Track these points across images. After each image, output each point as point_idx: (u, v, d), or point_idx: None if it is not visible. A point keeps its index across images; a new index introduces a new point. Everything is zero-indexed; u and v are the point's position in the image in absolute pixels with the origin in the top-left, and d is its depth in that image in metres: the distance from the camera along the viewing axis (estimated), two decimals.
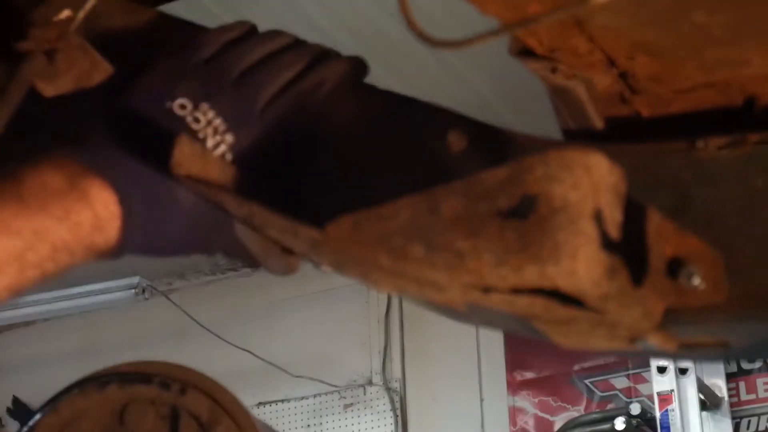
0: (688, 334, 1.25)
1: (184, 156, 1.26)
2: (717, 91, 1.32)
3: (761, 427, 6.72)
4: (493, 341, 7.88)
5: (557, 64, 1.30)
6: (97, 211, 1.27)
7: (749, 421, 6.75)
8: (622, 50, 1.28)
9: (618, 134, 1.35)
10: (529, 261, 1.12)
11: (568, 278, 1.12)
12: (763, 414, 6.72)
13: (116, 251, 1.31)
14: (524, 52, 1.31)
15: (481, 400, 7.44)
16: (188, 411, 1.68)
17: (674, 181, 1.26)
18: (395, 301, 8.16)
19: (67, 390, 1.74)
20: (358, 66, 1.42)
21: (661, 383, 5.68)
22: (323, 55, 1.41)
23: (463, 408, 7.47)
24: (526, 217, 1.13)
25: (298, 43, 1.41)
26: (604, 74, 1.33)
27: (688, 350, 1.27)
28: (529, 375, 7.30)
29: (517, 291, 1.18)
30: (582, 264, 1.11)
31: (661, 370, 5.60)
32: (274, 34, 1.41)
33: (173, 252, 1.37)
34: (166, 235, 1.34)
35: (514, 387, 7.22)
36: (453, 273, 1.17)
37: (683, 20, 1.21)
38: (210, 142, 1.31)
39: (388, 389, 8.29)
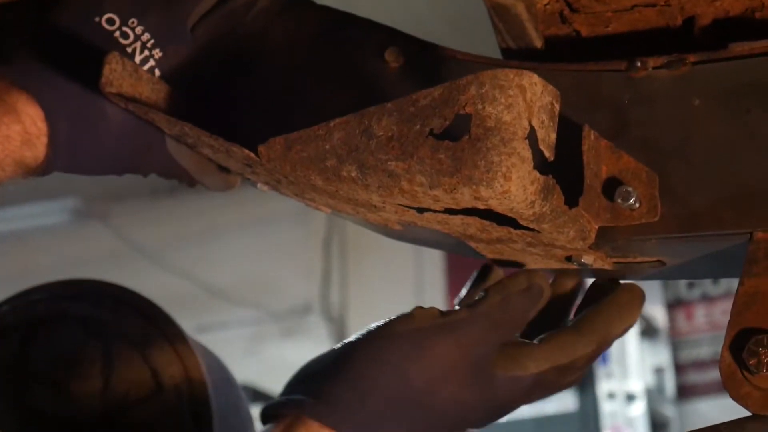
0: (622, 252, 1.27)
1: (114, 74, 1.26)
2: (657, 11, 1.33)
3: (699, 356, 6.82)
4: (435, 267, 7.93)
5: None
6: (26, 125, 1.28)
7: (688, 351, 6.86)
8: None
9: (557, 54, 1.36)
10: (461, 182, 1.13)
11: (501, 199, 1.13)
12: (702, 343, 6.81)
13: (45, 167, 1.32)
14: None
15: None
16: (119, 329, 1.69)
17: (611, 101, 1.28)
18: (336, 227, 8.18)
19: None
20: None
21: None
22: None
23: None
24: (458, 139, 1.13)
25: None
26: None
27: (622, 268, 1.30)
28: None
29: (451, 211, 1.20)
30: (515, 185, 1.12)
31: None
32: None
33: (104, 171, 1.38)
34: (95, 154, 1.35)
35: None
36: (386, 194, 1.18)
37: None
38: (137, 57, 1.33)
39: (329, 317, 8.33)
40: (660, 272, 1.32)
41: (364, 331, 1.30)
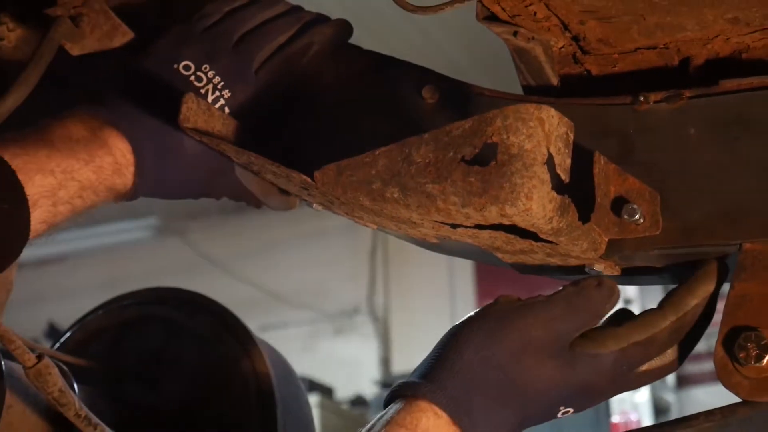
0: (628, 261, 1.27)
1: (191, 112, 1.27)
2: (656, 52, 1.33)
3: (696, 350, 6.76)
4: (465, 273, 7.95)
5: (518, 28, 1.31)
6: (116, 157, 1.30)
7: None
8: (575, 16, 1.29)
9: (571, 90, 1.37)
10: (489, 202, 1.13)
11: (524, 216, 1.14)
12: None
13: (132, 193, 1.34)
14: (490, 18, 1.32)
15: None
16: (196, 330, 1.70)
17: (618, 130, 1.28)
18: (380, 240, 8.21)
19: (94, 311, 1.77)
20: (343, 29, 1.43)
21: None
22: (312, 21, 1.42)
23: (439, 333, 7.50)
24: (487, 164, 1.14)
25: (291, 10, 1.43)
26: (559, 37, 1.34)
27: (629, 275, 1.29)
28: None
29: (480, 227, 1.20)
30: (536, 203, 1.13)
31: None
32: (271, 2, 1.43)
33: (182, 195, 1.40)
34: (174, 180, 1.36)
35: None
36: (424, 212, 1.18)
37: None
38: (210, 97, 1.34)
39: (374, 317, 8.35)
40: (661, 279, 1.31)
41: (461, 319, 1.29)
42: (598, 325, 1.27)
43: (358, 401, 7.65)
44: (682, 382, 7.39)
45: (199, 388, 1.68)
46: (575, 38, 1.33)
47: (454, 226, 1.22)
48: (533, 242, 1.22)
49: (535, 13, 1.30)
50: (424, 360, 1.29)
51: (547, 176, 1.14)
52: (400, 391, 1.26)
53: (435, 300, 7.99)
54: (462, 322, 1.29)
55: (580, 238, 1.21)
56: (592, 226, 1.21)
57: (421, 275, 8.10)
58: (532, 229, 1.17)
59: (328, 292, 8.44)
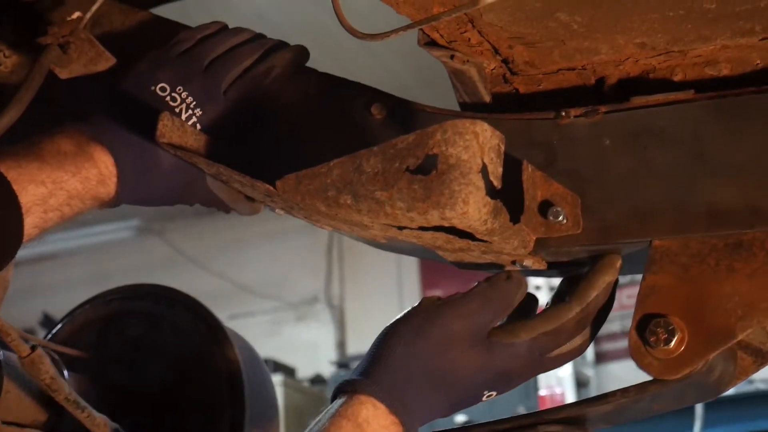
0: (554, 257, 1.27)
1: (166, 128, 1.26)
2: (576, 73, 1.33)
3: (611, 330, 6.82)
4: (411, 267, 7.99)
5: (455, 52, 1.31)
6: (101, 169, 1.29)
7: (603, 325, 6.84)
8: (504, 42, 1.29)
9: (501, 106, 1.36)
10: (431, 206, 1.13)
11: (461, 219, 1.13)
12: (613, 320, 6.80)
13: (115, 201, 1.32)
14: (430, 43, 1.31)
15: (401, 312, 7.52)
16: (173, 321, 1.69)
17: (543, 142, 1.28)
18: (336, 238, 8.24)
19: (82, 305, 1.75)
20: (301, 53, 1.43)
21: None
22: (274, 46, 1.42)
23: (388, 318, 7.52)
24: (429, 173, 1.14)
25: (255, 38, 1.42)
26: (491, 60, 1.34)
27: (554, 269, 1.29)
28: (438, 292, 7.36)
29: (423, 228, 1.19)
30: (472, 207, 1.13)
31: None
32: (238, 30, 1.43)
33: (159, 202, 1.39)
34: (152, 189, 1.34)
35: None
36: (374, 216, 1.18)
37: (550, 18, 1.23)
38: (183, 115, 1.32)
39: (331, 305, 8.36)
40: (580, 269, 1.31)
41: (391, 320, 1.30)
42: (512, 315, 1.28)
43: (318, 380, 7.65)
44: (600, 358, 7.44)
45: (176, 373, 1.67)
46: (505, 61, 1.33)
47: (400, 228, 1.21)
48: (470, 241, 1.21)
49: (469, 39, 1.30)
50: (363, 358, 1.29)
51: (481, 183, 1.14)
52: (342, 388, 1.27)
53: (385, 289, 8.02)
54: (392, 323, 1.29)
55: (512, 237, 1.21)
56: (521, 227, 1.21)
57: (373, 268, 8.13)
58: (469, 230, 1.17)
59: (290, 283, 8.45)
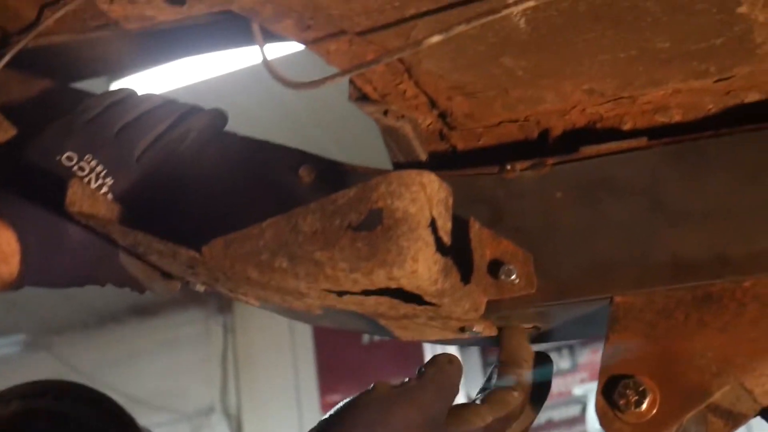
0: (506, 321, 1.17)
1: (76, 196, 1.16)
2: (518, 125, 1.25)
3: None
4: (309, 372, 7.92)
5: (388, 106, 1.22)
6: (1, 246, 1.18)
7: None
8: (443, 92, 1.21)
9: (438, 165, 1.27)
10: (377, 266, 1.03)
11: (410, 278, 1.03)
12: None
13: (18, 280, 1.21)
14: (361, 98, 1.22)
15: (300, 419, 7.43)
16: (78, 420, 1.54)
17: (488, 198, 1.20)
18: (230, 345, 8.14)
19: None
20: (219, 116, 1.34)
21: None
22: (189, 111, 1.33)
23: (287, 426, 7.41)
24: (373, 229, 1.04)
25: (167, 103, 1.33)
26: (427, 115, 1.25)
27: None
28: (337, 397, 7.24)
29: (367, 292, 1.09)
30: (422, 265, 1.03)
31: None
32: (149, 96, 1.35)
33: (67, 282, 1.27)
34: (59, 266, 1.23)
35: (326, 407, 7.18)
36: (313, 280, 1.07)
37: (493, 64, 1.14)
38: (93, 185, 1.23)
39: (228, 415, 8.23)
40: (535, 338, 1.22)
41: (338, 406, 1.18)
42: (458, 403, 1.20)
43: None
44: None
45: None
46: (442, 115, 1.25)
47: (341, 293, 1.10)
48: (416, 306, 1.11)
49: (405, 92, 1.21)
50: None
51: (431, 239, 1.04)
52: None
53: (282, 397, 7.87)
54: (344, 409, 1.18)
55: (463, 299, 1.10)
56: (473, 287, 1.11)
57: (270, 376, 8.01)
58: (417, 292, 1.07)
59: (185, 394, 8.25)
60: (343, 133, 5.43)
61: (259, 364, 8.10)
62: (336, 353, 7.95)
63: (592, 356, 7.13)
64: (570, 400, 6.83)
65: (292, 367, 7.99)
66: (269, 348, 8.17)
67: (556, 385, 7.04)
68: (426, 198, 1.05)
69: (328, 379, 7.86)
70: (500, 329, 1.20)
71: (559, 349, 6.96)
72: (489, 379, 1.23)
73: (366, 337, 7.90)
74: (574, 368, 7.20)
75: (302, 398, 7.86)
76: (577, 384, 6.75)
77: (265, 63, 1.11)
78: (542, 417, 7.08)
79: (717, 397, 1.07)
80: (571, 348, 7.31)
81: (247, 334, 8.22)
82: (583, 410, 6.20)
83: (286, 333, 8.08)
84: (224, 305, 8.11)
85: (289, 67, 1.12)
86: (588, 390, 5.99)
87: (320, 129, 5.74)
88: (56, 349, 8.38)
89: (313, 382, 8.01)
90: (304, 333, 8.08)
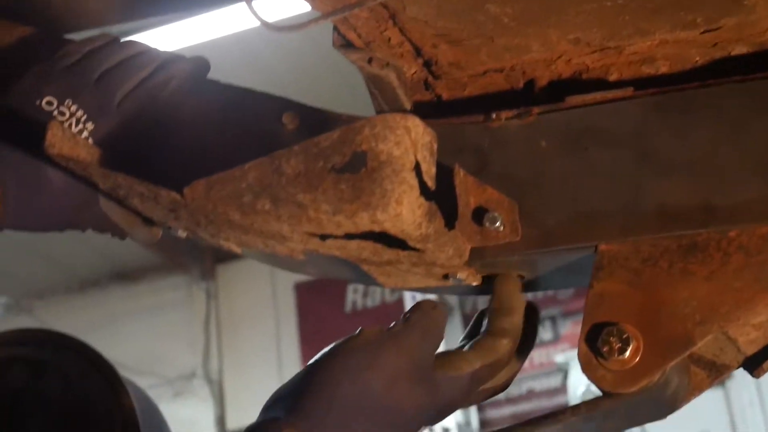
0: (490, 268, 1.16)
1: (56, 138, 1.14)
2: (503, 75, 1.24)
3: (496, 398, 6.77)
4: (291, 337, 7.91)
5: (373, 54, 1.20)
6: None
7: None
8: (428, 40, 1.19)
9: (423, 115, 1.25)
10: (361, 208, 1.02)
11: (394, 221, 1.02)
12: None
13: None
14: (345, 45, 1.21)
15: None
16: (60, 368, 1.53)
17: (474, 146, 1.18)
18: (213, 310, 8.13)
19: None
20: (201, 65, 1.32)
21: None
22: (171, 58, 1.31)
23: (269, 391, 7.42)
24: (357, 171, 1.03)
25: (149, 50, 1.31)
26: (412, 63, 1.24)
27: (489, 284, 1.19)
28: None
29: (350, 236, 1.08)
30: (406, 208, 1.02)
31: None
32: (131, 43, 1.32)
33: (47, 226, 1.27)
34: (40, 211, 1.23)
35: None
36: (296, 222, 1.06)
37: (479, 11, 1.13)
38: (74, 129, 1.21)
39: (209, 380, 8.22)
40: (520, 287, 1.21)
41: (323, 351, 1.17)
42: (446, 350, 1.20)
43: None
44: (484, 426, 7.36)
45: (64, 424, 1.50)
46: (427, 63, 1.23)
47: (323, 237, 1.09)
48: (400, 251, 1.10)
49: (389, 39, 1.19)
50: (286, 391, 1.16)
51: (415, 182, 1.03)
52: (262, 429, 1.13)
53: (264, 362, 7.88)
54: (328, 354, 1.17)
55: (447, 245, 1.10)
56: (457, 233, 1.10)
57: (251, 340, 8.01)
58: (401, 236, 1.06)
59: (167, 359, 8.25)
60: (330, 104, 5.41)
61: (242, 330, 8.10)
62: (318, 321, 7.95)
63: (573, 328, 7.16)
64: (551, 370, 6.87)
65: (275, 333, 8.00)
66: (252, 314, 8.17)
67: (538, 355, 7.07)
68: (411, 141, 1.04)
69: (310, 345, 7.86)
70: (493, 277, 1.19)
71: (541, 321, 6.99)
72: (475, 326, 1.23)
73: (348, 305, 7.91)
74: (555, 339, 7.23)
75: (284, 364, 7.87)
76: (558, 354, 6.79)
77: (248, 4, 1.09)
78: (524, 387, 7.12)
79: (700, 346, 1.06)
80: (553, 319, 7.34)
81: (229, 300, 8.22)
82: (565, 379, 6.23)
83: (269, 299, 8.08)
84: (207, 271, 8.10)
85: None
86: (569, 357, 6.02)
87: (305, 96, 5.72)
88: (38, 313, 8.36)
89: (295, 349, 8.02)
90: (287, 300, 8.09)
